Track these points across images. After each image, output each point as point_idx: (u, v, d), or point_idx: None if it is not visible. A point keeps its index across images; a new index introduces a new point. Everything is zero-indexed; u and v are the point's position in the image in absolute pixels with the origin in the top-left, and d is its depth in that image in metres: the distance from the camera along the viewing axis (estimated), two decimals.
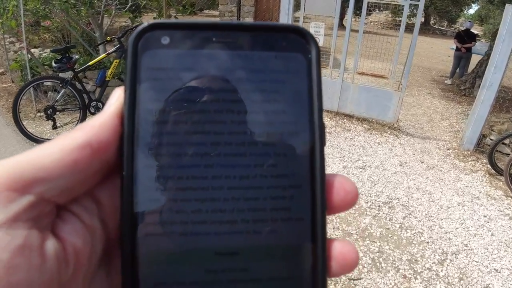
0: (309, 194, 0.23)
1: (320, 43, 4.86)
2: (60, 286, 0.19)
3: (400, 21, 4.60)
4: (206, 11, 19.36)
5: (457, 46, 8.00)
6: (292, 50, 0.24)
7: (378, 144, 4.46)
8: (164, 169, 0.22)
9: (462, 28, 8.84)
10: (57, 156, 0.20)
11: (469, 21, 8.36)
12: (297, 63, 0.24)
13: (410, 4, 4.37)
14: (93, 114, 3.94)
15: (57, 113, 3.92)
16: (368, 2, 4.52)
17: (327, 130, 4.96)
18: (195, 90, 0.23)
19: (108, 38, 4.01)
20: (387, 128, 4.92)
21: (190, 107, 0.23)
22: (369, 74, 4.72)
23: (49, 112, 3.83)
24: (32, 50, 5.26)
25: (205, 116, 0.23)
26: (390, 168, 3.88)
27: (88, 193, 0.22)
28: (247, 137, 0.23)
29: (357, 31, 4.71)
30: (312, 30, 4.86)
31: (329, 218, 2.75)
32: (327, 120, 4.96)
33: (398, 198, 3.32)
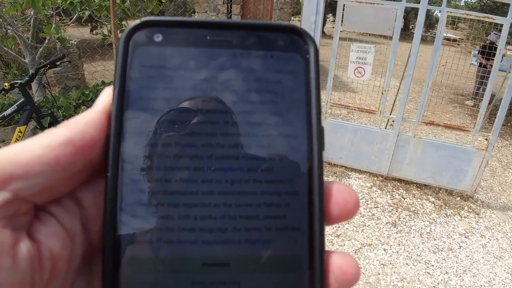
0: (306, 202, 0.21)
1: (367, 76, 3.18)
2: None
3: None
4: None
5: (480, 62, 6.64)
6: (289, 50, 0.23)
7: (465, 237, 2.90)
8: (152, 172, 0.21)
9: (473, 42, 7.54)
10: (37, 153, 0.18)
11: (494, 33, 7.01)
12: (294, 63, 0.23)
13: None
14: None
15: None
16: (449, 16, 2.89)
17: (385, 214, 3.16)
18: (186, 90, 0.21)
19: (6, 84, 2.06)
20: (458, 198, 3.37)
21: (180, 107, 0.21)
22: (442, 124, 3.11)
23: None
24: None
25: (196, 117, 0.21)
26: None
27: (70, 194, 0.21)
28: (240, 140, 0.21)
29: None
30: (353, 56, 3.16)
31: None
32: (375, 193, 3.32)
33: None
